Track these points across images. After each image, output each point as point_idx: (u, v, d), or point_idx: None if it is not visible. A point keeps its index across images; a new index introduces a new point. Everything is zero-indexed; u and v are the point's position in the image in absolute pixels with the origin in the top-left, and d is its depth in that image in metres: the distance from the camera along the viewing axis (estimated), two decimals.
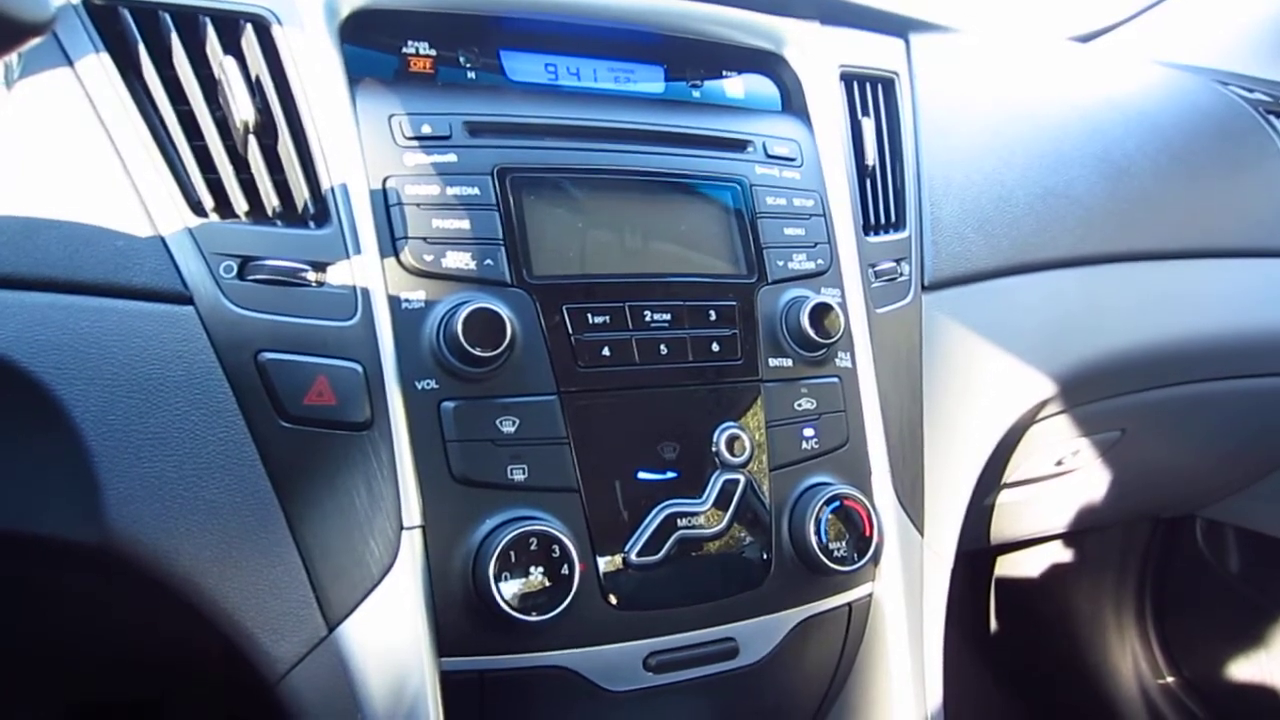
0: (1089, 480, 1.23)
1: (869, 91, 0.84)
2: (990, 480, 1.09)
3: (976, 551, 1.39)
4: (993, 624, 1.77)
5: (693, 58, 0.78)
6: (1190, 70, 1.24)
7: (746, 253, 0.70)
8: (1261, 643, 1.52)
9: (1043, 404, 0.93)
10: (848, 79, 0.82)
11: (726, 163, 0.72)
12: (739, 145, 0.74)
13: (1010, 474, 1.11)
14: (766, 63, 0.81)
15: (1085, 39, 1.43)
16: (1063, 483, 1.21)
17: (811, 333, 0.68)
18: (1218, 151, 1.13)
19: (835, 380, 0.72)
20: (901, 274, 0.79)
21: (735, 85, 0.80)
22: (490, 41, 0.71)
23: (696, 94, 0.77)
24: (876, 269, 0.77)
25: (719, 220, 0.71)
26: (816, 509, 0.67)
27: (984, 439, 0.84)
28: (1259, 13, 1.29)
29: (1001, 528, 1.28)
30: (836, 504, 0.67)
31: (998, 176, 0.91)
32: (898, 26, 0.93)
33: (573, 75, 0.74)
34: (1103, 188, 0.99)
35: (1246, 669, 1.53)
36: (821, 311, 0.69)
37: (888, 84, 0.86)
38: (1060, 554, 1.68)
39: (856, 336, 0.74)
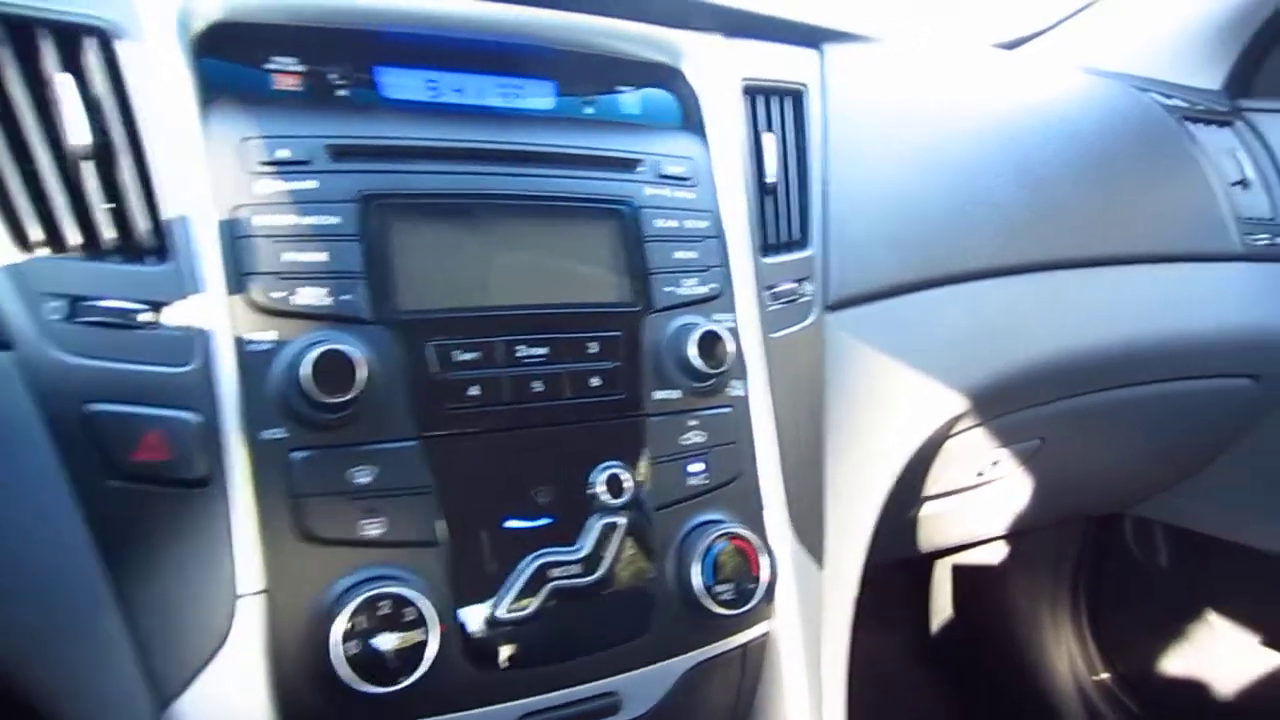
0: (1012, 488, 1.22)
1: (774, 105, 0.81)
2: (909, 496, 1.08)
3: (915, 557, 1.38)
4: (933, 626, 1.77)
5: (585, 72, 0.74)
6: (1111, 76, 1.23)
7: (632, 279, 0.67)
8: (1189, 636, 1.53)
9: (956, 419, 0.91)
10: (751, 92, 0.79)
11: (614, 184, 0.69)
12: (628, 165, 0.70)
13: (931, 487, 1.09)
14: (664, 77, 0.77)
15: (1011, 46, 1.42)
16: (986, 491, 1.20)
17: (699, 362, 0.65)
18: (1136, 158, 1.13)
19: (727, 410, 0.69)
20: (804, 294, 0.77)
21: (631, 101, 0.76)
22: (364, 57, 0.67)
23: (589, 111, 0.74)
24: (775, 291, 0.74)
25: (604, 246, 0.67)
26: (702, 549, 0.64)
27: (892, 459, 0.82)
28: (1178, 19, 1.28)
29: (930, 537, 1.27)
30: (724, 543, 0.64)
31: (912, 189, 0.89)
32: (811, 37, 0.90)
33: (456, 92, 0.71)
34: (1020, 196, 0.98)
35: (1176, 662, 1.54)
36: (710, 340, 0.66)
37: (796, 97, 0.84)
38: (997, 555, 1.69)
39: (751, 363, 0.71)
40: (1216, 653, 1.49)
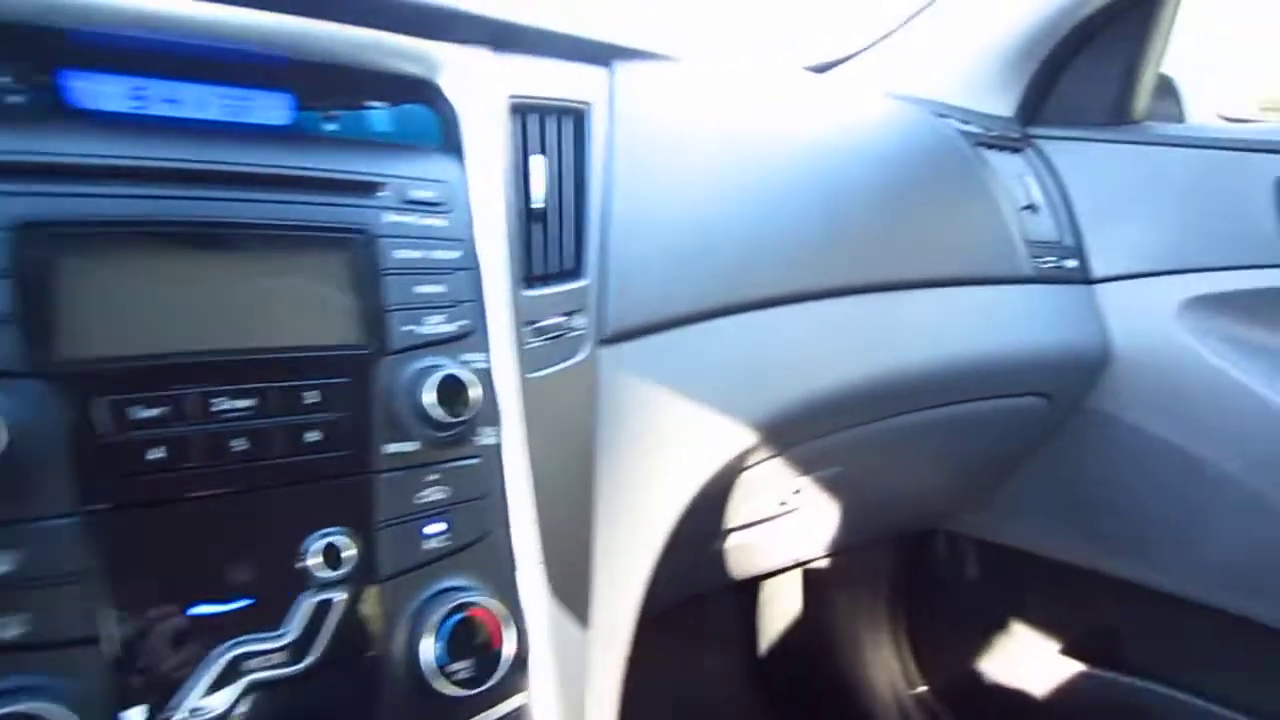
0: (818, 514, 1.21)
1: (550, 125, 0.75)
2: (709, 530, 1.05)
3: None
4: (760, 646, 1.76)
5: (328, 84, 0.66)
6: (912, 102, 1.24)
7: (365, 319, 0.60)
8: (998, 647, 1.57)
9: (747, 453, 0.88)
10: (521, 111, 0.73)
11: (347, 210, 0.61)
12: (367, 189, 0.63)
13: (733, 520, 1.06)
14: (423, 92, 0.70)
15: (822, 69, 1.42)
16: (793, 518, 1.19)
17: (437, 410, 0.59)
18: (933, 183, 1.13)
19: (474, 462, 0.62)
20: (574, 329, 0.71)
21: (382, 117, 0.69)
22: (47, 58, 0.57)
23: (331, 128, 0.66)
24: (538, 326, 0.69)
25: (331, 281, 0.59)
26: (435, 623, 0.57)
27: (673, 500, 0.78)
28: (974, 47, 1.30)
29: (741, 566, 1.25)
30: (460, 615, 0.58)
31: (703, 214, 0.86)
32: (599, 54, 0.85)
33: (168, 103, 0.61)
34: (817, 221, 0.96)
35: (987, 673, 1.58)
36: (451, 384, 0.59)
37: (578, 116, 0.78)
38: (818, 575, 1.69)
39: (506, 407, 0.65)
40: (1022, 662, 1.53)
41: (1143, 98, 1.29)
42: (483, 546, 0.62)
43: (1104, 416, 1.24)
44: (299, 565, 0.55)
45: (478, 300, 0.65)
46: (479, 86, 0.71)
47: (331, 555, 0.55)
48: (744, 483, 0.98)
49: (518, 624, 0.62)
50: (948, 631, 1.66)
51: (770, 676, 1.74)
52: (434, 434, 0.60)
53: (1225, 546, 1.18)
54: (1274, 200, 1.12)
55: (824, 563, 1.66)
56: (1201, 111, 1.37)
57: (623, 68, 0.86)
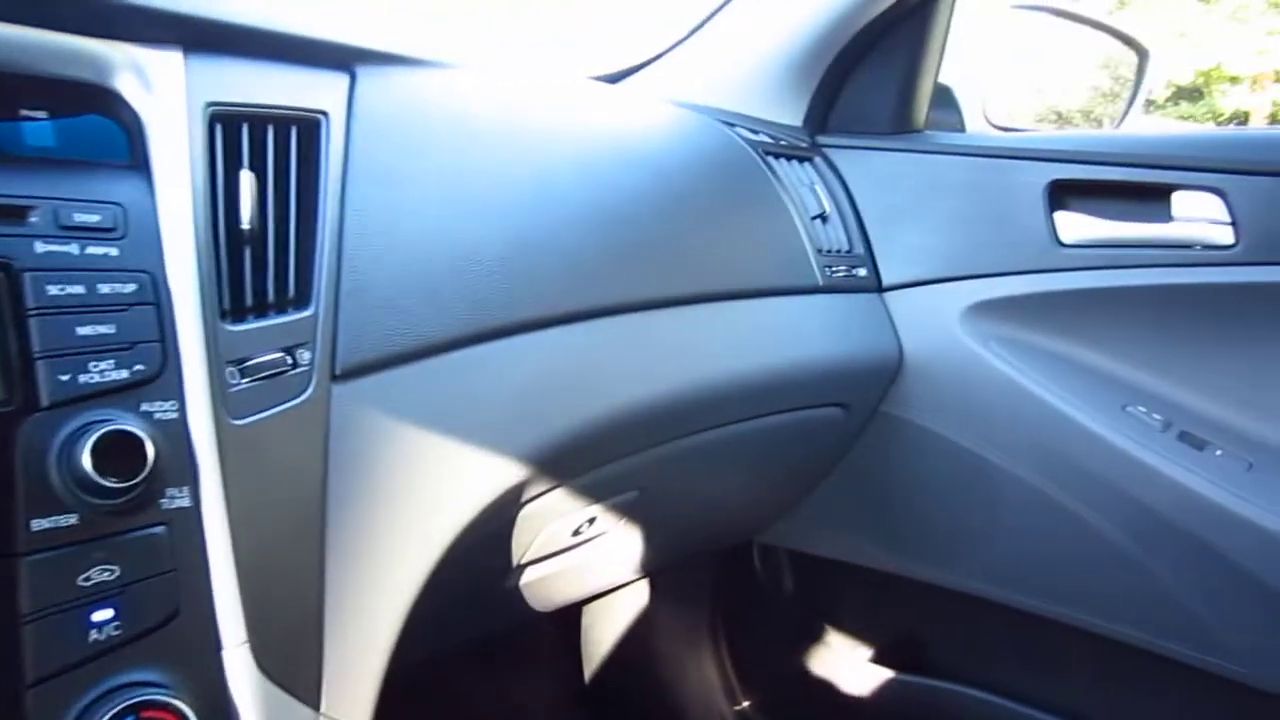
0: (621, 540, 1.16)
1: (266, 137, 0.66)
2: (496, 568, 0.98)
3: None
4: (585, 674, 1.70)
5: None
6: (700, 111, 1.22)
7: (4, 368, 0.50)
8: (813, 657, 1.57)
9: (520, 487, 0.81)
10: (225, 121, 0.64)
11: None
12: (12, 215, 0.53)
13: (522, 555, 1.00)
14: (97, 100, 0.60)
15: (613, 79, 1.38)
16: (594, 546, 1.13)
17: (98, 475, 0.49)
18: (721, 193, 1.10)
19: (158, 532, 0.53)
20: (299, 364, 0.63)
21: (40, 130, 0.58)
22: None
23: None
24: (247, 365, 0.60)
25: None
26: None
27: (427, 546, 0.70)
28: (762, 55, 1.29)
29: (543, 598, 1.18)
30: (130, 719, 0.49)
31: (461, 230, 0.79)
32: (339, 58, 0.77)
33: None
34: (595, 235, 0.90)
35: (803, 684, 1.57)
36: (114, 442, 0.50)
37: (307, 126, 0.70)
38: (638, 596, 1.65)
39: (202, 462, 0.56)
40: (838, 670, 1.53)
41: (922, 107, 1.31)
42: (169, 631, 0.53)
43: (898, 422, 1.25)
44: None
45: (163, 340, 0.56)
46: (168, 93, 0.61)
47: None
48: (526, 517, 0.91)
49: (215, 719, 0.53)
50: (768, 644, 1.64)
51: (595, 703, 1.69)
52: (98, 502, 0.50)
53: (1015, 546, 1.20)
54: (1044, 207, 1.15)
55: (642, 583, 1.62)
56: (978, 122, 1.41)
57: (368, 74, 0.78)
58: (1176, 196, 1.07)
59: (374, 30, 0.84)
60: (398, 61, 0.84)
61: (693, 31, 1.35)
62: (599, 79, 1.37)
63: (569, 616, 1.70)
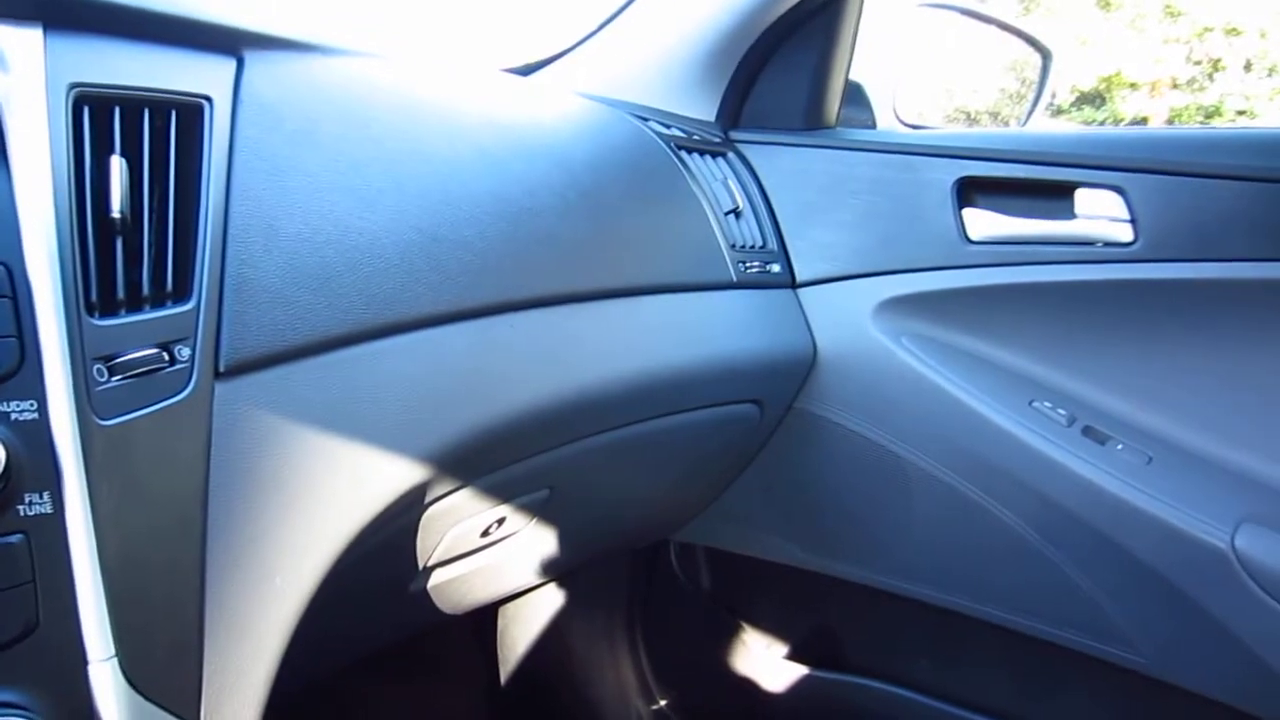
0: (533, 540, 1.14)
1: (140, 122, 0.62)
2: (398, 573, 0.94)
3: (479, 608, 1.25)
4: (501, 676, 1.67)
5: None
6: (611, 104, 1.20)
7: None
8: (729, 655, 1.56)
9: (420, 488, 0.78)
10: (95, 104, 0.60)
11: None
12: None
13: (428, 558, 0.97)
14: None
15: (525, 71, 1.35)
16: (504, 547, 1.10)
17: None
18: (631, 187, 1.09)
19: (14, 541, 0.49)
20: (178, 361, 0.59)
21: None
22: None
23: None
24: (117, 361, 0.56)
25: None
26: None
27: (318, 551, 0.67)
28: (675, 49, 1.28)
29: (453, 600, 1.15)
30: None
31: (354, 222, 0.75)
32: (223, 41, 0.73)
33: None
34: (498, 229, 0.88)
35: (723, 684, 1.57)
36: None
37: (188, 111, 0.66)
38: (552, 595, 1.62)
39: (65, 465, 0.52)
40: (754, 668, 1.53)
41: (833, 103, 1.31)
42: (27, 646, 0.49)
43: (812, 418, 1.25)
44: None
45: (20, 335, 0.52)
46: (25, 72, 0.57)
47: None
48: (431, 519, 0.88)
49: None
50: (684, 642, 1.64)
51: (511, 705, 1.66)
52: None
53: (926, 541, 1.21)
54: (952, 204, 1.16)
55: (558, 582, 1.60)
56: (889, 120, 1.42)
57: (257, 59, 0.75)
58: (1079, 194, 1.09)
59: (264, 13, 0.80)
60: (290, 46, 0.80)
61: (605, 24, 1.33)
62: (510, 71, 1.34)
63: (483, 619, 1.67)
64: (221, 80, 0.71)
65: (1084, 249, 1.09)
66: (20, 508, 0.50)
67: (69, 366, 0.53)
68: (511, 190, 0.91)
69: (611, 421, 1.03)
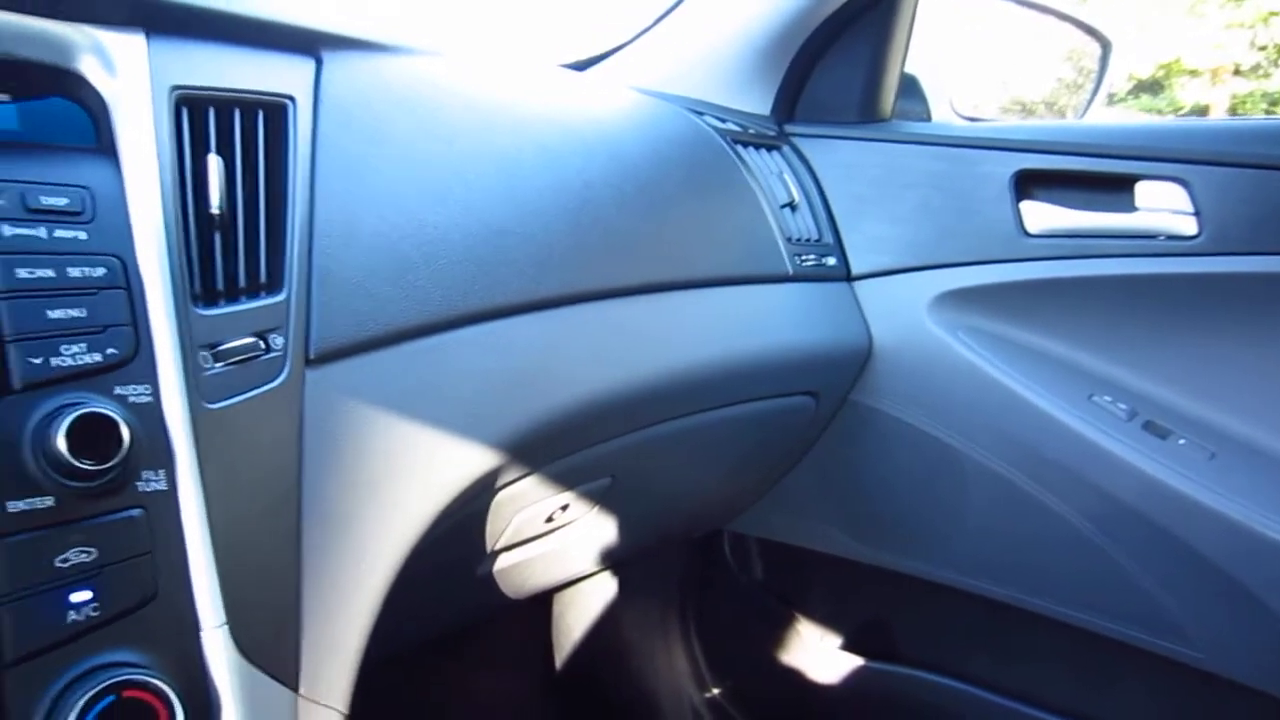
0: (593, 527, 1.16)
1: (232, 121, 0.66)
2: (467, 556, 0.98)
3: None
4: (556, 664, 1.71)
5: None
6: (667, 99, 1.22)
7: None
8: (782, 645, 1.58)
9: (492, 474, 0.81)
10: (193, 105, 0.64)
11: None
12: None
13: (496, 542, 1.00)
14: (60, 82, 0.60)
15: (580, 66, 1.38)
16: (566, 533, 1.13)
17: (74, 458, 0.49)
18: (688, 181, 1.11)
19: (134, 514, 0.53)
20: (272, 349, 0.63)
21: (4, 112, 0.58)
22: None
23: None
24: (220, 349, 0.60)
25: None
26: (78, 711, 0.48)
27: (402, 531, 0.70)
28: (729, 43, 1.30)
29: (517, 586, 1.18)
30: (111, 698, 0.49)
31: (427, 217, 0.78)
32: (304, 42, 0.76)
33: None
34: (560, 223, 0.90)
35: (774, 672, 1.58)
36: (89, 424, 0.50)
37: (274, 111, 0.69)
38: (607, 586, 1.65)
39: (177, 446, 0.56)
40: (807, 659, 1.55)
41: (889, 96, 1.32)
42: (148, 613, 0.53)
43: (867, 411, 1.26)
44: None
45: (135, 324, 0.56)
46: (131, 76, 0.61)
47: None
48: (500, 504, 0.91)
49: (196, 699, 0.53)
50: (737, 632, 1.66)
51: (565, 692, 1.69)
52: (74, 484, 0.50)
53: (982, 534, 1.22)
54: (1010, 197, 1.16)
55: (612, 572, 1.63)
56: (944, 111, 1.42)
57: (334, 59, 0.78)
58: (1140, 187, 1.09)
59: (339, 14, 0.84)
60: (363, 47, 0.83)
61: (659, 19, 1.35)
62: (566, 66, 1.37)
63: (538, 606, 1.70)
64: (302, 80, 0.74)
65: (1145, 242, 1.08)
66: (138, 484, 0.53)
67: (179, 353, 0.57)
68: (572, 184, 0.94)
69: (670, 412, 1.05)
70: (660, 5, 1.37)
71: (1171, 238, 1.07)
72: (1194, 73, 11.10)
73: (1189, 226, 1.06)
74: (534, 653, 1.73)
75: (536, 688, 1.73)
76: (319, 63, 0.77)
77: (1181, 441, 1.08)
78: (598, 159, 1.00)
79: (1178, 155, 1.06)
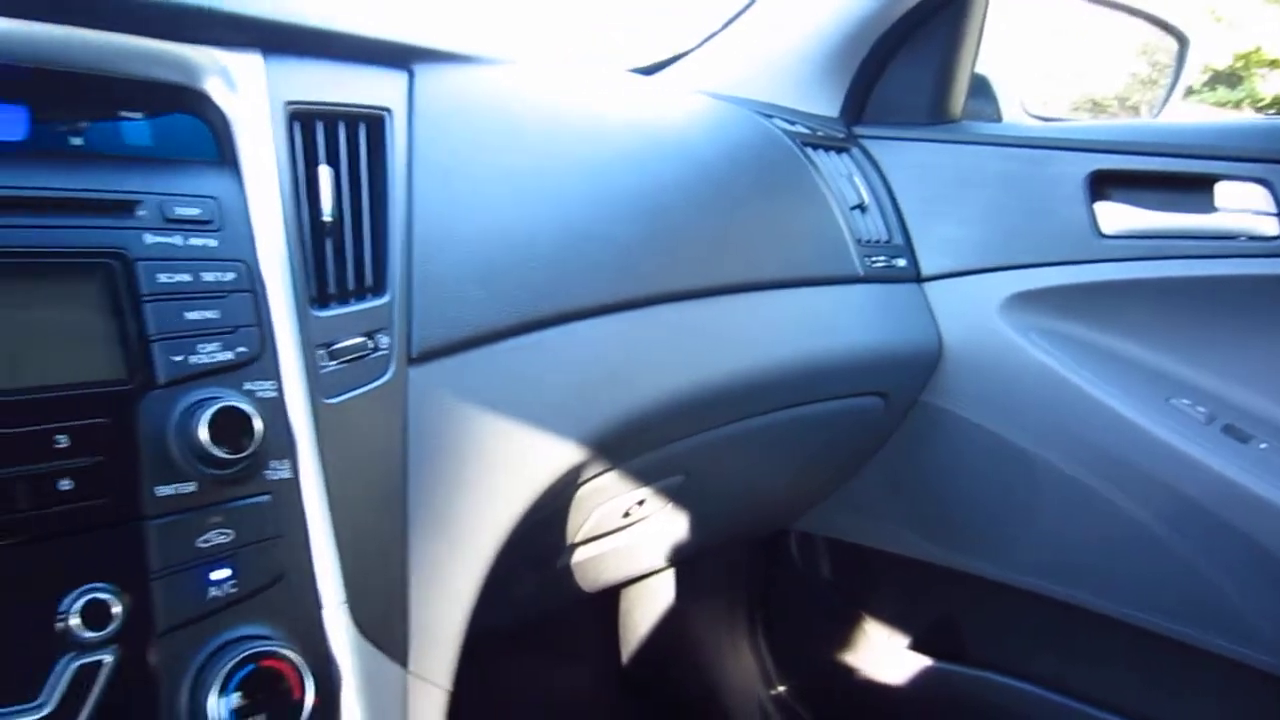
0: (666, 523, 1.19)
1: (340, 133, 0.70)
2: (550, 548, 1.01)
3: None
4: (623, 658, 1.74)
5: (71, 94, 0.59)
6: (736, 102, 1.24)
7: (125, 350, 0.54)
8: (850, 643, 1.59)
9: (577, 469, 0.85)
10: (303, 119, 0.68)
11: (99, 233, 0.55)
12: (122, 208, 0.57)
13: (575, 535, 1.03)
14: (189, 100, 0.64)
15: (649, 71, 1.41)
16: (640, 529, 1.17)
17: (215, 446, 0.54)
18: (758, 184, 1.13)
19: (264, 500, 0.57)
20: (379, 348, 0.67)
21: (139, 129, 0.63)
22: None
23: (77, 141, 0.59)
24: (335, 348, 0.64)
25: (83, 311, 0.54)
26: (222, 678, 0.52)
27: (497, 521, 0.74)
28: (797, 47, 1.32)
29: (592, 579, 1.22)
30: (250, 667, 0.53)
31: (515, 221, 0.82)
32: (398, 56, 0.81)
33: None
34: (638, 225, 0.93)
35: (841, 670, 1.60)
36: (228, 417, 0.54)
37: (373, 123, 0.73)
38: (675, 581, 1.68)
39: (299, 438, 0.60)
40: (874, 658, 1.55)
41: (959, 97, 1.32)
42: (277, 590, 0.57)
43: (937, 412, 1.26)
44: (58, 626, 0.49)
45: (260, 324, 0.60)
46: (251, 93, 0.65)
47: (95, 612, 0.50)
48: (582, 498, 0.95)
49: (321, 671, 0.57)
50: (804, 631, 1.67)
51: (633, 686, 1.73)
52: (213, 472, 0.55)
53: (1053, 536, 1.22)
54: (1084, 197, 1.16)
55: (680, 569, 1.65)
56: (1015, 111, 1.42)
57: (425, 71, 0.82)
58: (1220, 187, 1.08)
59: (429, 28, 0.88)
60: (450, 59, 0.87)
61: (728, 23, 1.37)
62: (635, 71, 1.40)
63: (606, 601, 1.73)
64: (397, 93, 0.78)
65: (1225, 243, 1.07)
66: (266, 473, 0.58)
67: (300, 351, 0.61)
68: (651, 189, 0.97)
69: (743, 411, 1.08)
70: (726, 10, 1.39)
71: (1252, 239, 1.06)
72: (1275, 63, 10.72)
73: (1270, 227, 1.05)
74: (602, 647, 1.76)
75: (604, 681, 1.76)
76: (411, 75, 0.81)
77: (1263, 445, 1.07)
78: (672, 163, 1.02)
79: (1259, 155, 1.05)
